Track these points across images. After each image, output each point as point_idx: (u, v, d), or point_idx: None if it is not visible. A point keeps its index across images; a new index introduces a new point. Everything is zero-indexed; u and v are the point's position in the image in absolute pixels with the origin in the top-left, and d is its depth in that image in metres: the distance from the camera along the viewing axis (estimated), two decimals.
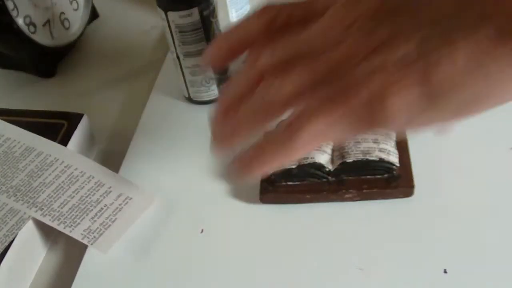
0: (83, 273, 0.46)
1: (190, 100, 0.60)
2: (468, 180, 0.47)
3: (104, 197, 0.49)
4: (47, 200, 0.49)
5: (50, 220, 0.48)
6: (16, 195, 0.50)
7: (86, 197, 0.49)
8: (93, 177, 0.50)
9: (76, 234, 0.47)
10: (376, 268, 0.43)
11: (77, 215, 0.48)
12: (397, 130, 0.47)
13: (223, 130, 0.37)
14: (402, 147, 0.48)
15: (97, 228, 0.47)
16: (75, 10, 0.72)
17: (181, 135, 0.57)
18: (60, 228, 0.47)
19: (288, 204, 0.48)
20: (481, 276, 0.41)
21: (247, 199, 0.49)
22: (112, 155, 0.58)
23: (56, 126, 0.56)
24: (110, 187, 0.50)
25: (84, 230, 0.47)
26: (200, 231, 0.48)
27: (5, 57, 0.69)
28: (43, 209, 0.48)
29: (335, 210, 0.47)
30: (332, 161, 0.47)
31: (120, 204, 0.49)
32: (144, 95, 0.63)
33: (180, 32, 0.54)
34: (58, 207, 0.48)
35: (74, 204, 0.49)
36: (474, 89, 0.29)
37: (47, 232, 0.50)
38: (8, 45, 0.65)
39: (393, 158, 0.46)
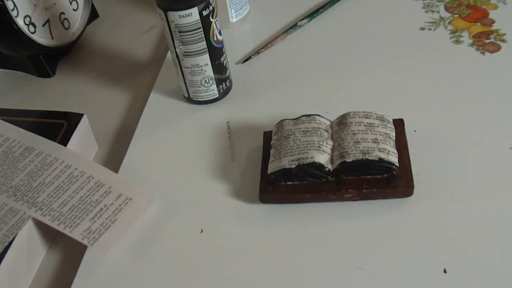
0: (83, 273, 0.46)
1: (189, 100, 0.60)
2: (468, 180, 0.47)
3: (104, 198, 0.49)
4: (47, 200, 0.49)
5: (50, 220, 0.48)
6: (16, 195, 0.50)
7: (86, 197, 0.49)
8: (93, 177, 0.50)
9: (76, 234, 0.47)
10: (376, 268, 0.43)
11: (77, 215, 0.48)
12: None
13: None
14: (402, 147, 0.48)
15: (97, 228, 0.47)
16: (75, 10, 0.73)
17: (180, 135, 0.57)
18: (60, 228, 0.47)
19: (288, 204, 0.48)
20: (481, 276, 0.41)
21: (247, 199, 0.49)
22: (112, 155, 0.58)
23: (56, 126, 0.56)
24: (110, 187, 0.50)
25: (84, 231, 0.47)
26: (200, 231, 0.48)
27: (5, 57, 0.69)
28: (43, 209, 0.48)
29: (335, 209, 0.47)
30: (332, 161, 0.47)
31: (120, 205, 0.49)
32: (144, 95, 0.63)
33: (179, 32, 0.54)
34: (58, 207, 0.48)
35: (74, 204, 0.49)
36: None
37: (47, 232, 0.50)
38: (8, 45, 0.65)
39: (393, 158, 0.46)
